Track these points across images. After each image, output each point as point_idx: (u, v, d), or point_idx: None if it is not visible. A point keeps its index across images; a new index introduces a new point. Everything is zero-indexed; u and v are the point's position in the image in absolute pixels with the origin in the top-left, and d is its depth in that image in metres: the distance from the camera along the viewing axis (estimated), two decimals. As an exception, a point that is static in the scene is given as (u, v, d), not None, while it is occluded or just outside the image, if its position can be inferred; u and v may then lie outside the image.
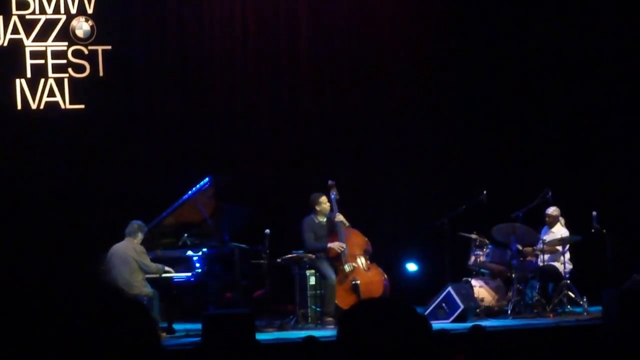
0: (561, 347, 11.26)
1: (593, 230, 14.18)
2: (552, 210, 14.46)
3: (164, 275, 13.00)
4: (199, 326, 11.56)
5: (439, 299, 13.52)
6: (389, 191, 16.12)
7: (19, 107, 15.45)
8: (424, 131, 16.49)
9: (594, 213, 14.19)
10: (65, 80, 15.60)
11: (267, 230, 13.44)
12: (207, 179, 13.48)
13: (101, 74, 15.71)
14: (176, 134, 15.93)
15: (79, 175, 15.38)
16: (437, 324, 12.36)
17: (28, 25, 15.53)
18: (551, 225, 14.49)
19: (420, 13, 16.83)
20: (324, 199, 13.88)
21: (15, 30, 15.48)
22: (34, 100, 15.46)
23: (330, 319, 13.25)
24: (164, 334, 12.51)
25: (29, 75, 15.50)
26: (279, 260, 13.52)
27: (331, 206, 13.93)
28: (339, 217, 13.84)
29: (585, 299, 13.79)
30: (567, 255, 14.19)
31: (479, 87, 16.55)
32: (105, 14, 15.78)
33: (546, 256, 14.12)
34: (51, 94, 15.52)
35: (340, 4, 16.59)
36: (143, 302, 9.95)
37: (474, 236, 14.40)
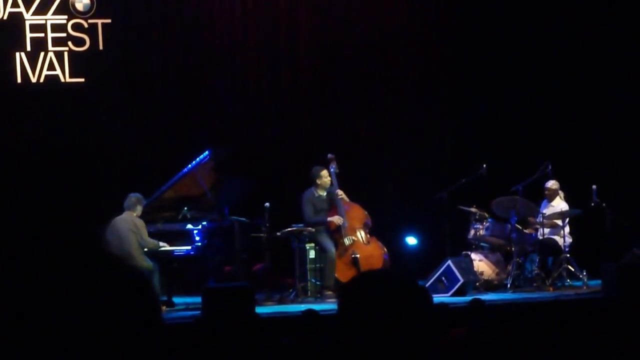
0: (560, 320, 11.27)
1: (593, 204, 14.19)
2: (552, 184, 14.45)
3: (162, 249, 13.01)
4: (198, 299, 11.58)
5: (438, 273, 13.54)
6: (388, 164, 16.09)
7: (19, 80, 15.43)
8: (424, 104, 16.46)
9: (594, 187, 14.20)
10: (65, 54, 15.57)
11: (267, 204, 13.43)
12: (206, 152, 13.45)
13: (101, 47, 15.68)
14: (176, 107, 15.92)
15: (79, 149, 15.37)
16: (436, 298, 12.36)
17: (27, -1, 15.50)
18: (550, 198, 14.49)
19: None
20: (324, 172, 13.85)
21: (15, 4, 15.43)
22: (33, 74, 15.43)
23: (330, 292, 13.26)
24: (163, 308, 12.53)
25: (28, 48, 15.47)
26: (278, 233, 13.53)
27: (331, 180, 13.92)
28: (340, 194, 13.83)
29: (584, 273, 13.81)
30: (567, 229, 14.20)
31: (479, 60, 16.50)
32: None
33: (546, 230, 14.12)
34: (51, 67, 15.49)
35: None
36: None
37: (473, 210, 14.39)
